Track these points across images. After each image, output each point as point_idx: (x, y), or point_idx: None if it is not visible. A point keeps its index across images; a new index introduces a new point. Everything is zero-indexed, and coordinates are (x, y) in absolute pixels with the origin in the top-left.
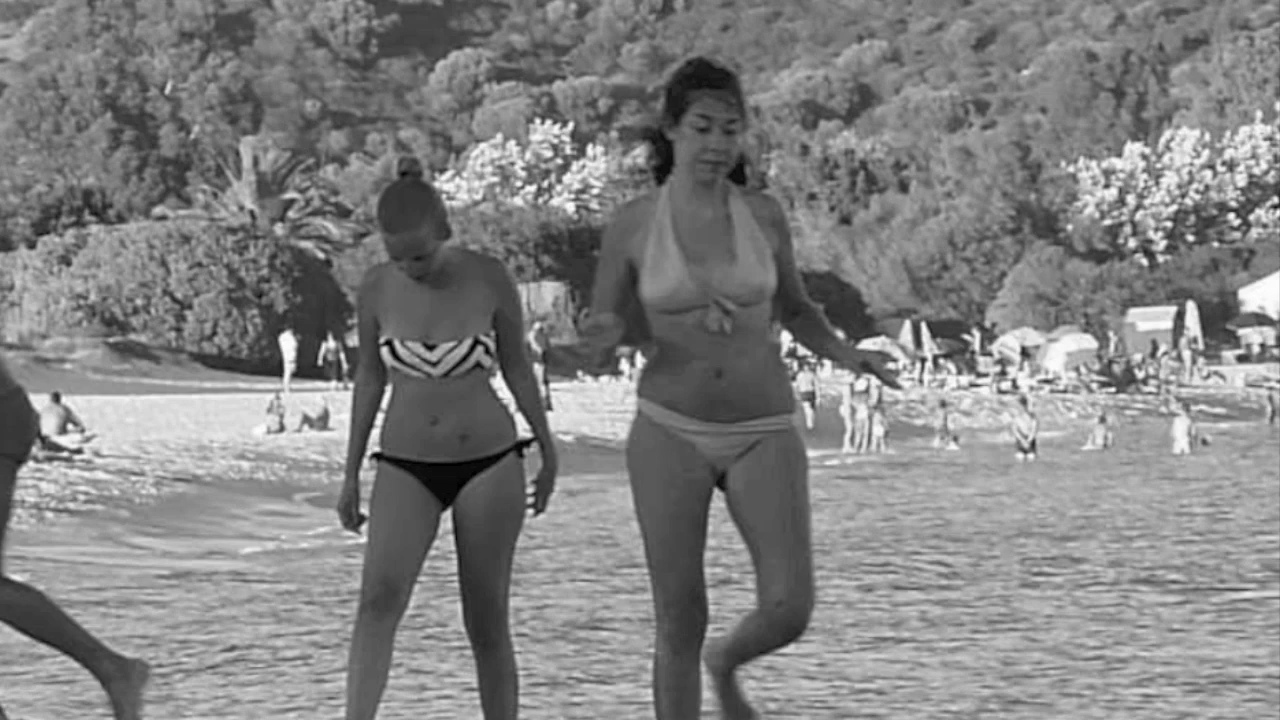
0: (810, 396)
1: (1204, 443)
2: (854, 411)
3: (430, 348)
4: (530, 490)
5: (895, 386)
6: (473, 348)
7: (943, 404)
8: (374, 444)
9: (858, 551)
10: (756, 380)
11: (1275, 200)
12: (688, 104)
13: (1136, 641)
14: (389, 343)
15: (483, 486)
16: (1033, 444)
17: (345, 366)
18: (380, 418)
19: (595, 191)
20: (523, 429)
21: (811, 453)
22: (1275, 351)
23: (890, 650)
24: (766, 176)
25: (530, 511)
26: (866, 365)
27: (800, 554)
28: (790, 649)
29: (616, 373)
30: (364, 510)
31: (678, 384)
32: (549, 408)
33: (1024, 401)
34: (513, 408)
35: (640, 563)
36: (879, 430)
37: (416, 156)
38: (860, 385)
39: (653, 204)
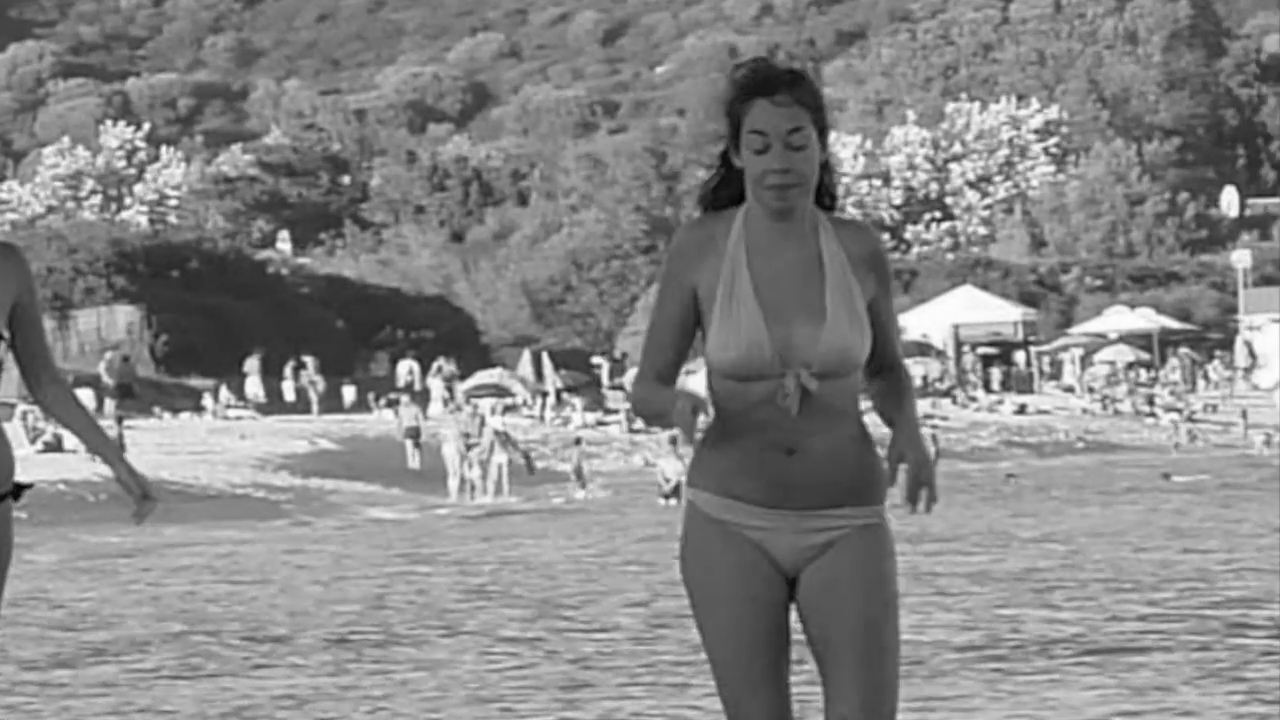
0: (414, 433)
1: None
2: (464, 456)
3: None
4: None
5: (911, 505)
6: None
7: (577, 442)
8: None
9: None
10: (837, 462)
11: (937, 215)
12: (740, 120)
13: None
14: None
15: None
16: (676, 489)
17: None
18: None
19: (173, 202)
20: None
21: (410, 509)
22: (939, 385)
23: None
24: (368, 187)
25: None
26: (902, 459)
27: (878, 667)
28: None
29: (199, 409)
30: None
31: (739, 465)
32: (121, 448)
33: (673, 441)
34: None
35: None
36: (496, 474)
37: None
38: (498, 423)
39: (726, 227)
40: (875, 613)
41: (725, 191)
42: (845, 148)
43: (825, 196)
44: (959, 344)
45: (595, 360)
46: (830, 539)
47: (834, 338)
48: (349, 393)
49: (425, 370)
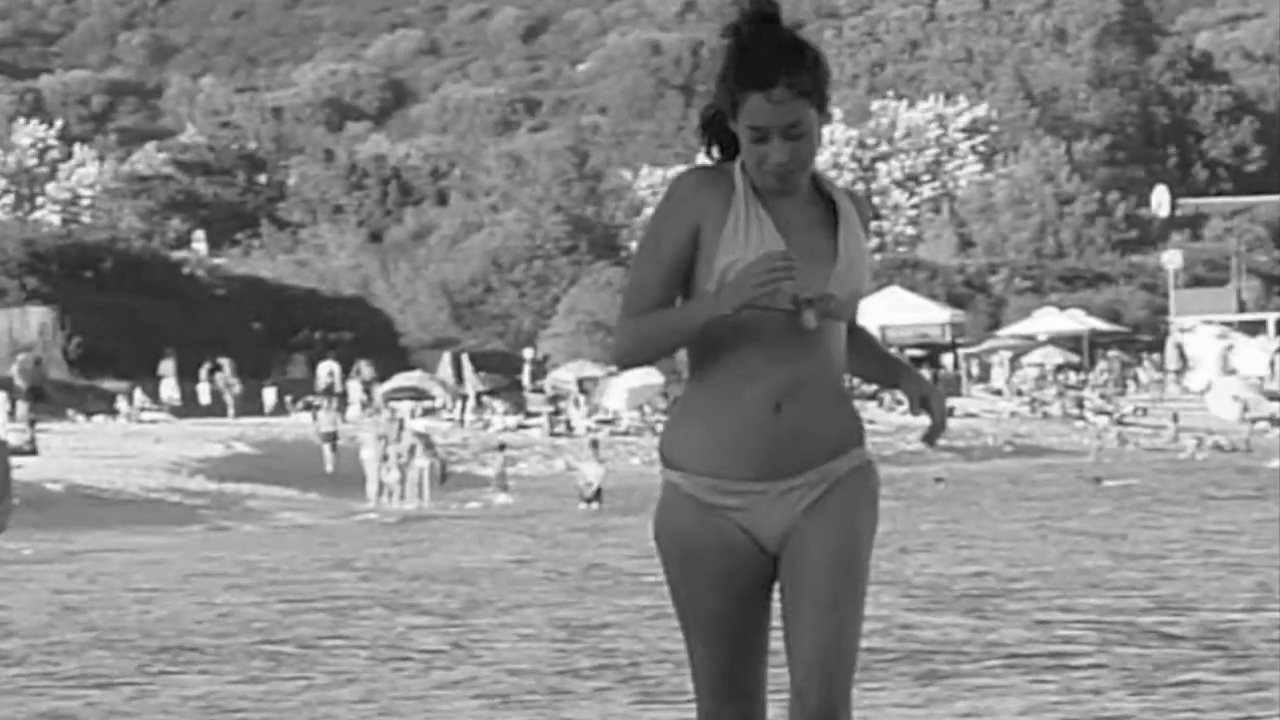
0: (332, 437)
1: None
2: (382, 460)
3: None
4: None
5: (930, 443)
6: None
7: (501, 448)
8: None
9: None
10: (821, 418)
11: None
12: (736, 105)
13: None
14: None
15: None
16: (598, 494)
17: None
18: None
19: (86, 202)
20: None
21: (328, 515)
22: (865, 388)
23: None
24: (285, 186)
25: None
26: (926, 403)
27: (838, 617)
28: None
29: (113, 411)
30: None
31: (722, 433)
32: (33, 452)
33: (595, 445)
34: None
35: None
36: (419, 479)
37: None
38: (420, 426)
39: (729, 177)
40: (853, 537)
41: (726, 137)
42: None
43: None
44: (886, 346)
45: (528, 353)
46: (816, 498)
47: (848, 274)
48: (269, 395)
49: (347, 372)
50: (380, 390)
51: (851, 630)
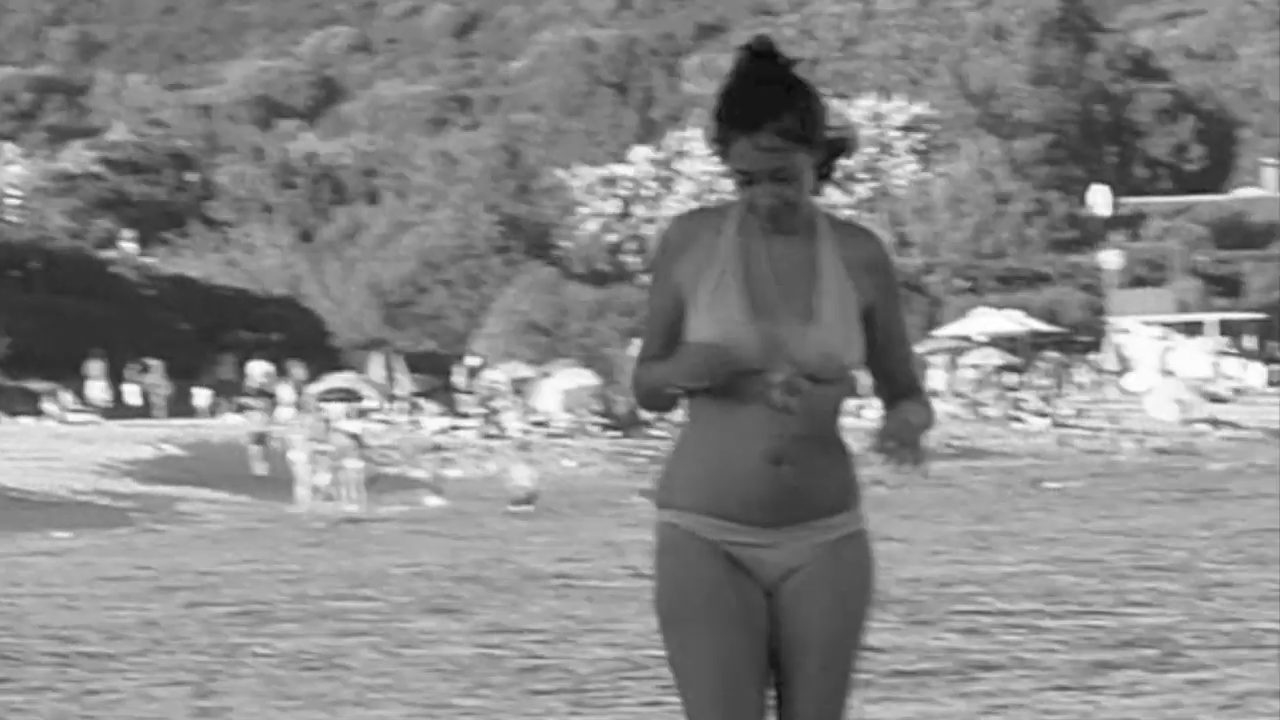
0: (261, 439)
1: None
2: (313, 462)
3: None
4: None
5: (885, 455)
6: None
7: (436, 449)
8: None
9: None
10: (822, 474)
11: None
12: (725, 146)
13: None
14: None
15: None
16: (530, 496)
17: None
18: None
19: (14, 202)
20: None
21: (256, 518)
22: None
23: None
24: (214, 184)
25: None
26: (886, 431)
27: (833, 694)
28: None
29: (39, 412)
30: None
31: (721, 477)
32: None
33: (525, 447)
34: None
35: None
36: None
37: None
38: (354, 428)
39: (720, 219)
40: (849, 615)
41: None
42: (705, 146)
43: (828, 169)
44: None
45: (471, 360)
46: (814, 553)
47: (822, 338)
48: (203, 396)
49: (281, 373)
50: (311, 391)
51: (843, 703)
